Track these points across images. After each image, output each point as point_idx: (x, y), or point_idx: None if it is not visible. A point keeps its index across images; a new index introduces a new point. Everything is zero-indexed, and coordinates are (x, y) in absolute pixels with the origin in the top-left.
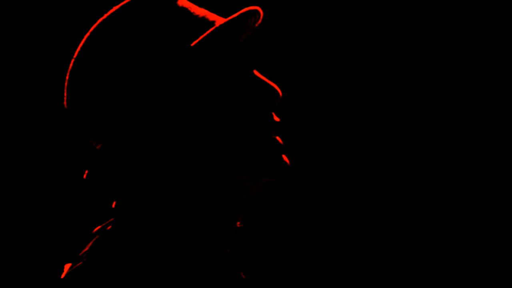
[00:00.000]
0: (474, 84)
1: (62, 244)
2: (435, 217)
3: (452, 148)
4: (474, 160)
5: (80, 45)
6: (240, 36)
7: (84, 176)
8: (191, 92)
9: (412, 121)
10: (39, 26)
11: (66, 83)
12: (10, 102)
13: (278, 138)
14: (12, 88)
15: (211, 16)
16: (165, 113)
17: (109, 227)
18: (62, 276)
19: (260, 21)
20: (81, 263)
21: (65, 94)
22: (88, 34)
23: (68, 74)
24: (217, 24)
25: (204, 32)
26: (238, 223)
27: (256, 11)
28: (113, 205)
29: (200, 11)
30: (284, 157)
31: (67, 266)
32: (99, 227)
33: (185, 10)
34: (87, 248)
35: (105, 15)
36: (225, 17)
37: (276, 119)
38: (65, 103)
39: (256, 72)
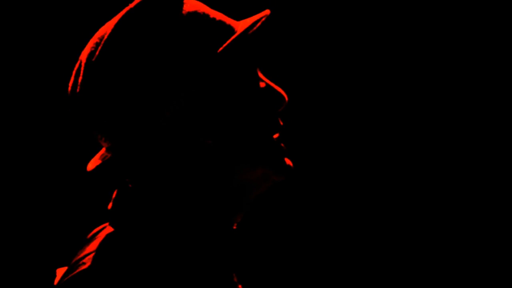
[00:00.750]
0: (474, 84)
1: (52, 248)
2: (436, 224)
3: (454, 149)
4: (474, 160)
5: (107, 34)
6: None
7: (88, 169)
8: (212, 95)
9: (414, 128)
10: (39, 26)
11: (75, 72)
12: (10, 102)
13: (282, 144)
14: (12, 88)
15: (227, 20)
16: (191, 112)
17: (104, 231)
18: (55, 282)
19: (263, 20)
20: (80, 269)
21: (79, 82)
22: (114, 24)
23: (83, 64)
24: (236, 29)
25: (226, 38)
26: (235, 225)
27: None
28: (109, 207)
29: (215, 14)
30: (288, 161)
31: (59, 271)
32: (94, 231)
33: (201, 14)
34: (82, 255)
35: (130, 6)
36: (231, 16)
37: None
38: (74, 91)
39: (261, 76)
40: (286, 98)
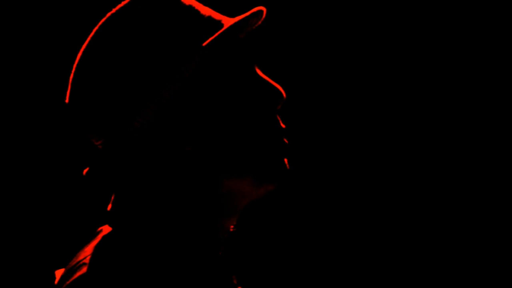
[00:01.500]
0: (474, 84)
1: (52, 248)
2: (436, 224)
3: (454, 150)
4: (474, 160)
5: (88, 40)
6: (244, 34)
7: (84, 173)
8: (199, 92)
9: (412, 130)
10: (38, 26)
11: (71, 79)
12: (9, 101)
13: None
14: (12, 87)
15: (217, 16)
16: (171, 113)
17: (101, 233)
18: (56, 282)
19: (262, 19)
20: (81, 272)
21: (69, 88)
22: (96, 28)
23: (73, 69)
24: (224, 23)
25: (213, 32)
26: (232, 226)
27: (261, 11)
28: (108, 208)
29: (205, 10)
30: (285, 161)
31: (58, 273)
32: (92, 231)
33: (191, 8)
34: (81, 257)
35: (113, 10)
36: (227, 15)
37: (282, 125)
38: (67, 97)
39: (259, 72)
40: (284, 95)
